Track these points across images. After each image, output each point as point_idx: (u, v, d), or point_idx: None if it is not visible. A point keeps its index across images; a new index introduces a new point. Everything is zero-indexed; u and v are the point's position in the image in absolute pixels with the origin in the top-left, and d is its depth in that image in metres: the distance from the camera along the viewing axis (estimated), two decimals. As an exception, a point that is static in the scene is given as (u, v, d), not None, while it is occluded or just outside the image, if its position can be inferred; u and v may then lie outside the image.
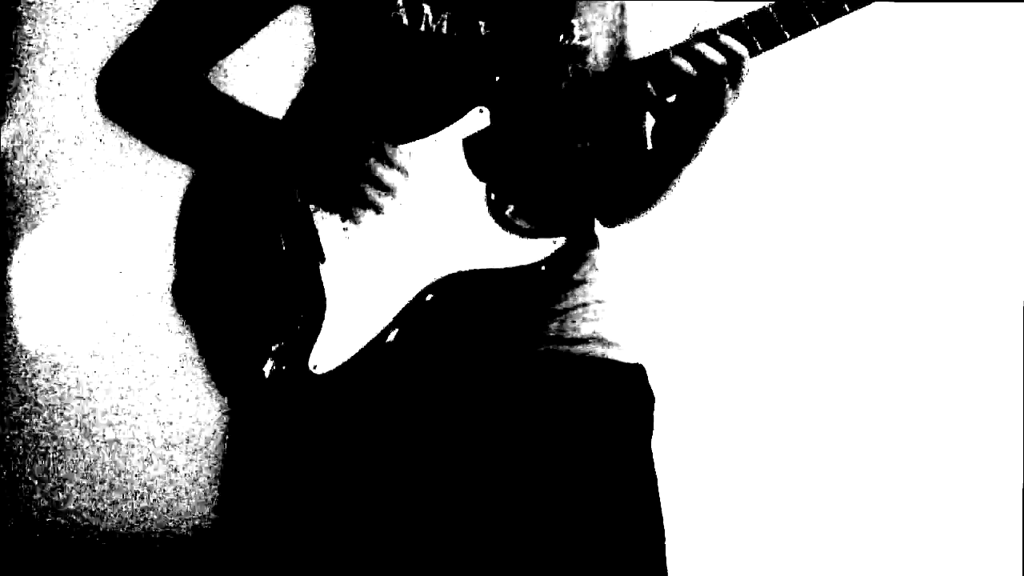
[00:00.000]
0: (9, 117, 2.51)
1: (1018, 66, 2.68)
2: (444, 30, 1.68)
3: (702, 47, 1.61)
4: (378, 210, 1.63)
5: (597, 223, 1.89)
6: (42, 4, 2.50)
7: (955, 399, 2.70)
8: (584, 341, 1.74)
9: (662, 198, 1.83)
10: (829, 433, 2.68)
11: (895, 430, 2.69)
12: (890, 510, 2.69)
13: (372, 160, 1.62)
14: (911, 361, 2.69)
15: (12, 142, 2.52)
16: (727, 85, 1.62)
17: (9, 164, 2.52)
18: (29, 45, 2.50)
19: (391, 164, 1.62)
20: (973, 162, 2.70)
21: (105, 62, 1.77)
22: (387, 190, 1.62)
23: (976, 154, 2.70)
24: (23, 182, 2.52)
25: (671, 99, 1.67)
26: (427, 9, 1.68)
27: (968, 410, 2.70)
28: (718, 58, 1.61)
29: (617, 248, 1.91)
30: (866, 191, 2.67)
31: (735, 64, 1.62)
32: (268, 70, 2.33)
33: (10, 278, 2.54)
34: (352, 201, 1.63)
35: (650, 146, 1.79)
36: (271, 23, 1.78)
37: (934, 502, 2.69)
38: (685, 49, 1.63)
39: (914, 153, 2.69)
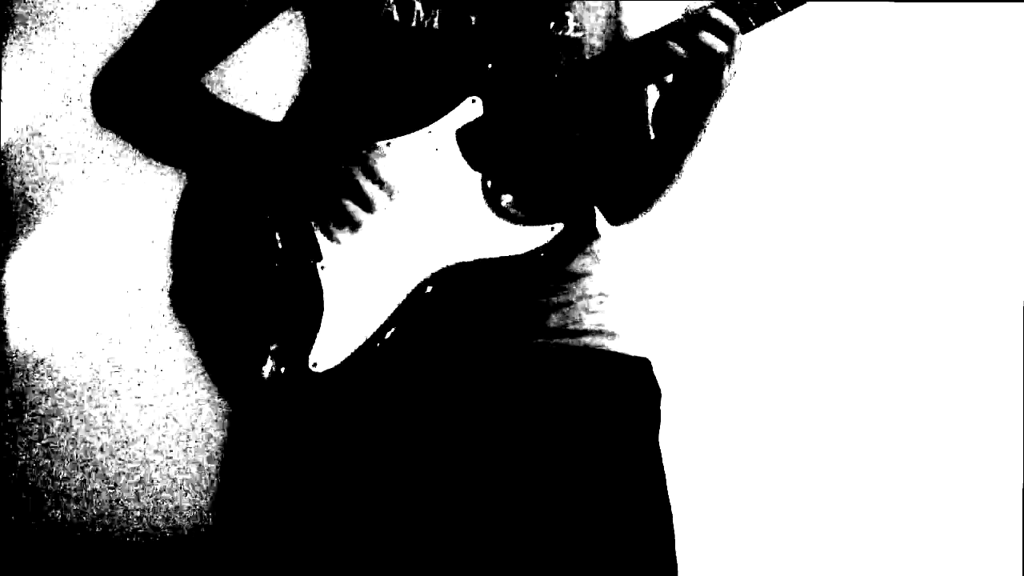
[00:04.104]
0: (7, 119, 2.52)
1: (1018, 66, 2.68)
2: (435, 25, 1.69)
3: (694, 26, 1.62)
4: (355, 227, 1.63)
5: (600, 217, 1.89)
6: (41, 5, 2.50)
7: (955, 399, 2.69)
8: (587, 333, 1.74)
9: (666, 190, 1.82)
10: (831, 432, 2.67)
11: (895, 429, 2.69)
12: (890, 510, 2.68)
13: (355, 171, 1.62)
14: (911, 359, 2.69)
15: (10, 144, 2.52)
16: (723, 65, 1.63)
17: (6, 166, 2.53)
18: (29, 45, 2.51)
19: (373, 177, 1.63)
20: (973, 162, 2.70)
21: (99, 71, 1.78)
22: (367, 205, 1.62)
23: (976, 154, 2.70)
24: (20, 184, 2.53)
25: (668, 79, 1.68)
26: (418, 5, 1.69)
27: (968, 410, 2.69)
28: (709, 38, 1.61)
29: (619, 241, 1.90)
30: (868, 188, 2.68)
31: (729, 43, 1.62)
32: (265, 75, 2.33)
33: (8, 279, 2.54)
34: (330, 216, 1.63)
35: (652, 133, 1.80)
36: (266, 27, 1.79)
37: (934, 502, 2.69)
38: (677, 29, 1.63)
39: (914, 153, 2.69)
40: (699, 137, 1.73)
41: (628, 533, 1.68)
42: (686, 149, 1.75)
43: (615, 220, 1.91)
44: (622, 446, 1.72)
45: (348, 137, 1.65)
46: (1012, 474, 2.69)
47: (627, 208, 1.89)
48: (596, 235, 1.84)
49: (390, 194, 1.63)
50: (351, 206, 1.61)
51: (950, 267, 2.70)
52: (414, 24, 1.68)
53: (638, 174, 1.84)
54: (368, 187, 1.61)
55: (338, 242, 1.65)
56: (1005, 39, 2.67)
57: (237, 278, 1.67)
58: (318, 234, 1.66)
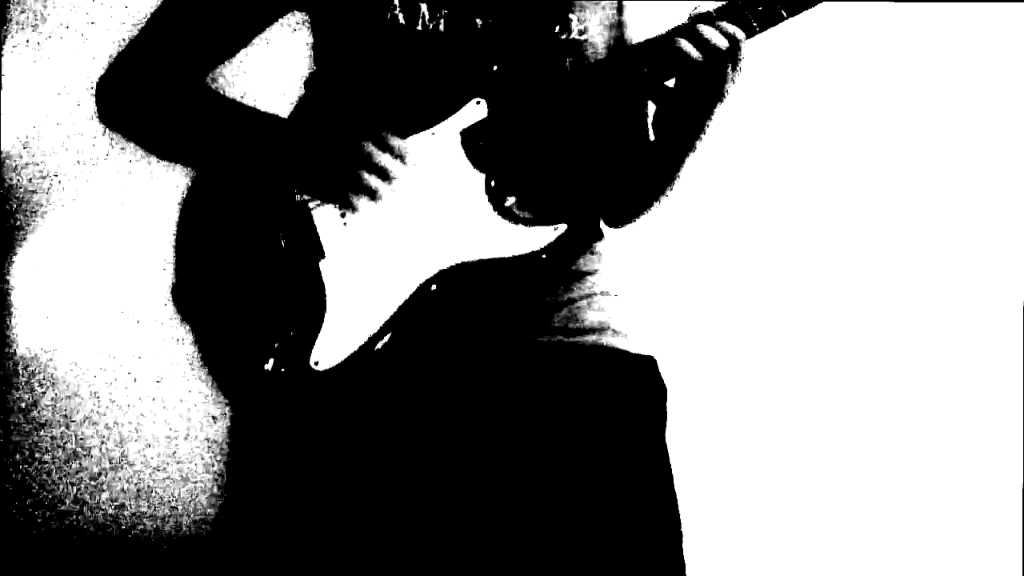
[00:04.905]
0: (7, 119, 2.52)
1: (1018, 66, 2.69)
2: (441, 28, 1.69)
3: (700, 29, 1.62)
4: (374, 197, 1.63)
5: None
6: (41, 4, 2.51)
7: (955, 399, 2.70)
8: (592, 331, 1.74)
9: (666, 192, 1.82)
10: (833, 431, 2.68)
11: (896, 428, 2.69)
12: (890, 510, 2.69)
13: (369, 145, 1.62)
14: (912, 358, 2.69)
15: (13, 143, 2.53)
16: (727, 68, 1.63)
17: (9, 166, 2.53)
18: (32, 45, 2.51)
19: (389, 149, 1.63)
20: (973, 162, 2.70)
21: (103, 70, 1.78)
22: (384, 176, 1.63)
23: (976, 154, 2.70)
24: (23, 184, 2.53)
25: (670, 83, 1.68)
26: (424, 8, 1.69)
27: (968, 410, 2.70)
28: (717, 40, 1.61)
29: (623, 240, 1.91)
30: (869, 188, 2.68)
31: (733, 46, 1.62)
32: (269, 77, 2.33)
33: (11, 279, 2.54)
34: (349, 187, 1.63)
35: (652, 136, 1.80)
36: (271, 28, 1.79)
37: (934, 502, 2.69)
38: (683, 32, 1.63)
39: (915, 154, 2.69)
40: (699, 140, 1.73)
41: (635, 532, 1.68)
42: (685, 152, 1.75)
43: (614, 222, 1.91)
44: (628, 444, 1.72)
45: (351, 128, 1.66)
46: (1012, 474, 2.69)
47: (626, 211, 1.89)
48: (600, 234, 1.84)
49: (405, 164, 1.63)
50: (369, 176, 1.62)
51: (950, 267, 2.70)
52: (419, 27, 1.68)
53: (637, 177, 1.84)
54: (383, 158, 1.62)
55: (356, 211, 1.64)
56: (1005, 39, 2.68)
57: (240, 277, 1.68)
58: (321, 232, 1.66)
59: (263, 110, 1.73)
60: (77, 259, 2.54)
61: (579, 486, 1.68)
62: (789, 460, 2.67)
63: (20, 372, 2.55)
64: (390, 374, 1.67)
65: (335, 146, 1.64)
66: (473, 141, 1.66)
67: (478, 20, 1.70)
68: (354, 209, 1.64)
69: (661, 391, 1.79)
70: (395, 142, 1.63)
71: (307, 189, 1.67)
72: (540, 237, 1.66)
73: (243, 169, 1.70)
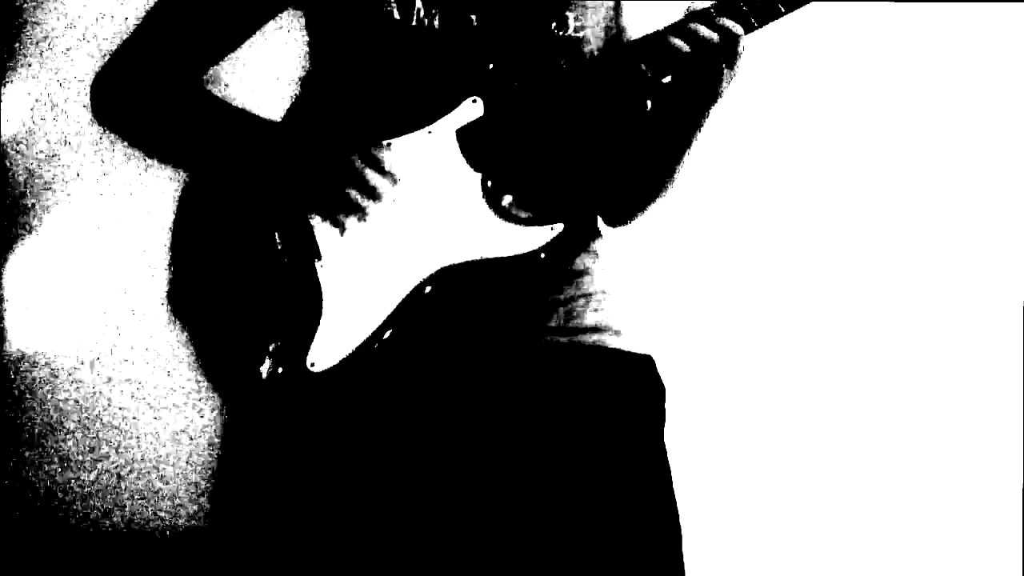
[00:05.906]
0: (7, 117, 2.51)
1: (1018, 66, 2.69)
2: (436, 24, 1.69)
3: (696, 26, 1.62)
4: (361, 216, 1.63)
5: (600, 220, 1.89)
6: (43, 3, 2.50)
7: (955, 399, 2.69)
8: (590, 331, 1.74)
9: (664, 190, 1.82)
10: (833, 430, 2.68)
11: (895, 429, 2.69)
12: (890, 510, 2.69)
13: (358, 161, 1.62)
14: (912, 359, 2.69)
15: (10, 143, 2.52)
16: (723, 64, 1.63)
17: (7, 165, 2.52)
18: (29, 44, 2.50)
19: (377, 167, 1.63)
20: (973, 162, 2.70)
21: (98, 70, 1.78)
22: (372, 194, 1.62)
23: (976, 154, 2.70)
24: (20, 183, 2.53)
25: (666, 80, 1.67)
26: (419, 4, 1.69)
27: (968, 410, 2.70)
28: (713, 36, 1.61)
29: (620, 239, 1.90)
30: (868, 187, 2.68)
31: (730, 42, 1.62)
32: (265, 74, 2.33)
33: (6, 279, 2.54)
34: (335, 205, 1.63)
35: (649, 133, 1.80)
36: (266, 27, 1.79)
37: (934, 502, 2.69)
38: (679, 28, 1.63)
39: (915, 153, 2.69)
40: (696, 138, 1.73)
41: (634, 532, 1.68)
42: (682, 150, 1.75)
43: (612, 222, 1.91)
44: (627, 444, 1.72)
45: (349, 137, 1.65)
46: (1012, 474, 2.69)
47: (624, 209, 1.89)
48: (597, 233, 1.84)
49: (393, 183, 1.63)
50: (355, 195, 1.61)
51: (950, 267, 2.70)
52: (414, 23, 1.68)
53: (634, 175, 1.84)
54: (371, 176, 1.62)
55: (343, 231, 1.64)
56: (1005, 39, 2.68)
57: (236, 278, 1.67)
58: (318, 233, 1.66)
59: (256, 114, 1.73)
60: (72, 258, 2.53)
61: (578, 486, 1.68)
62: (789, 460, 2.67)
63: (15, 372, 2.54)
64: (387, 375, 1.67)
65: (323, 161, 1.63)
66: (470, 140, 1.66)
67: (473, 16, 1.70)
68: (341, 227, 1.64)
69: (659, 390, 1.78)
70: (385, 158, 1.63)
71: (303, 201, 1.67)
72: (538, 236, 1.65)
73: (237, 174, 1.70)
